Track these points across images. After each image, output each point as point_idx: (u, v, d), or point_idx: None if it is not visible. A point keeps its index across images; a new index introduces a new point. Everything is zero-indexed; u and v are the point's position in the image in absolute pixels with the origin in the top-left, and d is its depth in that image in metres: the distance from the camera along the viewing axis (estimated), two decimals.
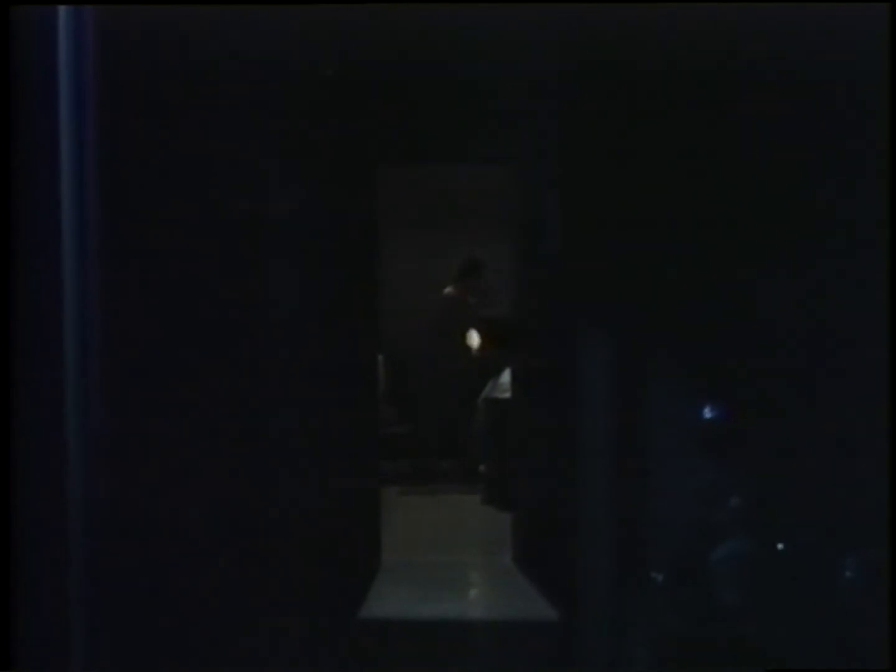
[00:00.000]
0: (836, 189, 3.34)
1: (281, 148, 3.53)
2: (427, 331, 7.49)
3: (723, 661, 3.17)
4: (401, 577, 4.90)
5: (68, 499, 2.06)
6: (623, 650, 3.58)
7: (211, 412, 2.84)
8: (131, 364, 2.38)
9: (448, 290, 7.55)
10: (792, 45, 3.17)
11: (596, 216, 3.83)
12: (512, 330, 5.50)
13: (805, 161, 3.42)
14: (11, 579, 1.96)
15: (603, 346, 3.80)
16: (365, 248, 4.94)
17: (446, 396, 7.46)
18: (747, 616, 3.32)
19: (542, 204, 4.54)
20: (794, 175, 3.44)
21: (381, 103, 4.28)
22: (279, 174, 3.53)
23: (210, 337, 2.84)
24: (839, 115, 3.28)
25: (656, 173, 3.57)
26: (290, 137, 3.62)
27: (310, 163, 3.87)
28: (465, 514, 6.50)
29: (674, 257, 3.60)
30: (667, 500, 3.62)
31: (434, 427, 7.63)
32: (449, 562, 5.29)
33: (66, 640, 2.04)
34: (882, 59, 2.59)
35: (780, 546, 3.37)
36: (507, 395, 5.94)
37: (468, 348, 7.24)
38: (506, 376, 6.33)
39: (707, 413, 3.60)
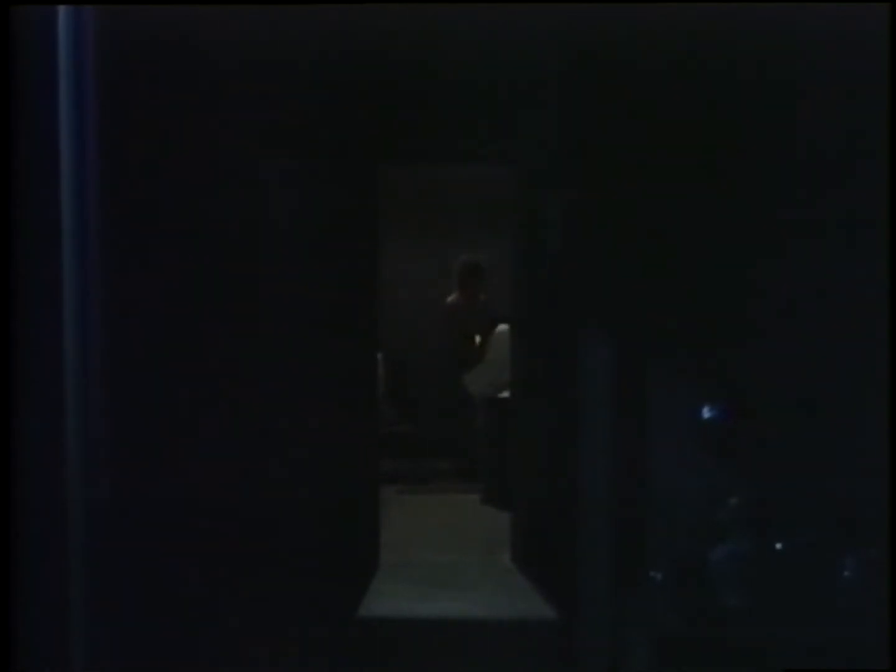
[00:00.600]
0: (835, 189, 3.34)
1: (281, 148, 3.53)
2: (433, 339, 7.51)
3: (722, 661, 3.17)
4: (400, 577, 4.90)
5: (68, 499, 2.06)
6: (622, 650, 3.58)
7: (210, 412, 2.84)
8: (131, 364, 2.38)
9: (451, 298, 7.54)
10: (792, 45, 3.17)
11: (596, 216, 3.83)
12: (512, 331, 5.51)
13: (805, 161, 3.42)
14: (11, 579, 1.96)
15: (603, 345, 3.80)
16: (365, 247, 4.94)
17: (446, 396, 7.46)
18: (747, 616, 3.32)
19: (541, 204, 4.54)
20: (793, 175, 3.44)
21: (381, 103, 4.28)
22: (279, 174, 3.53)
23: (210, 337, 2.84)
24: (839, 114, 3.28)
25: (656, 173, 3.57)
26: (290, 137, 3.62)
27: (310, 163, 3.87)
28: (464, 514, 6.50)
29: (674, 257, 3.60)
30: (667, 500, 3.62)
31: (434, 427, 7.63)
32: (448, 561, 5.28)
33: (66, 640, 2.04)
34: (882, 59, 2.59)
35: (779, 546, 3.37)
36: (506, 394, 5.95)
37: (474, 352, 7.24)
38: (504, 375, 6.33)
39: (707, 412, 3.60)
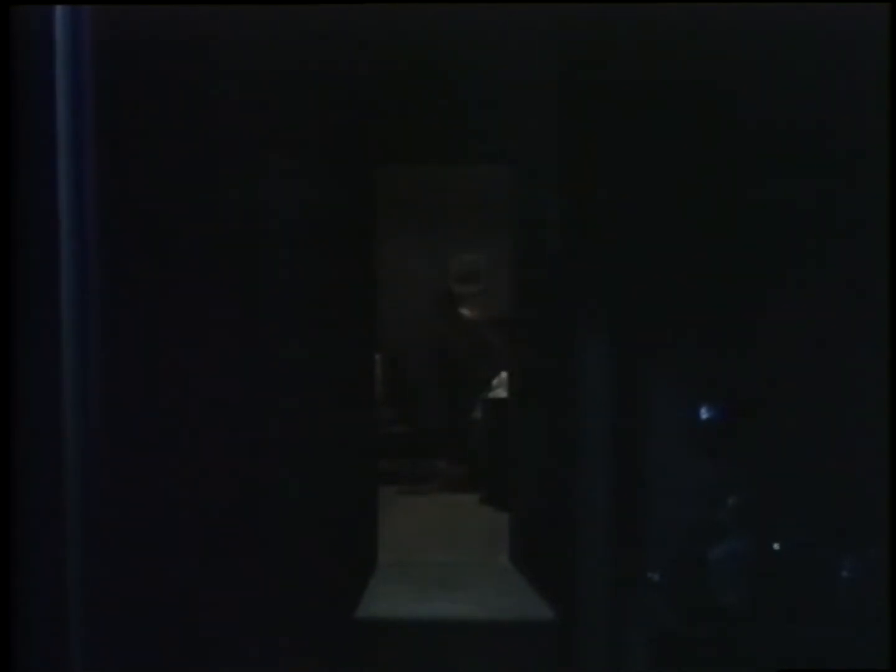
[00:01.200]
0: (835, 189, 3.35)
1: (280, 148, 3.53)
2: (428, 339, 7.51)
3: (720, 661, 3.17)
4: (398, 577, 4.90)
5: (68, 499, 2.05)
6: (620, 649, 3.58)
7: (209, 412, 2.84)
8: (131, 364, 2.38)
9: (447, 296, 7.55)
10: (792, 45, 3.18)
11: (595, 216, 3.83)
12: (511, 331, 5.51)
13: (805, 161, 3.42)
14: (11, 580, 1.96)
15: (602, 345, 3.80)
16: (364, 247, 4.94)
17: (444, 396, 7.47)
18: (745, 615, 3.32)
19: (542, 204, 4.54)
20: (793, 175, 3.44)
21: (380, 103, 4.28)
22: (279, 174, 3.53)
23: (209, 337, 2.84)
24: (839, 114, 3.28)
25: (656, 172, 3.57)
26: (289, 137, 3.61)
27: (309, 163, 3.87)
28: (462, 514, 6.50)
29: (673, 256, 3.60)
30: (664, 500, 3.63)
31: (432, 427, 7.63)
32: (446, 561, 5.28)
33: (66, 641, 2.03)
34: (882, 59, 2.60)
35: (777, 546, 3.37)
36: (505, 395, 5.95)
37: (467, 350, 7.24)
38: (504, 376, 6.33)
39: (705, 412, 3.60)
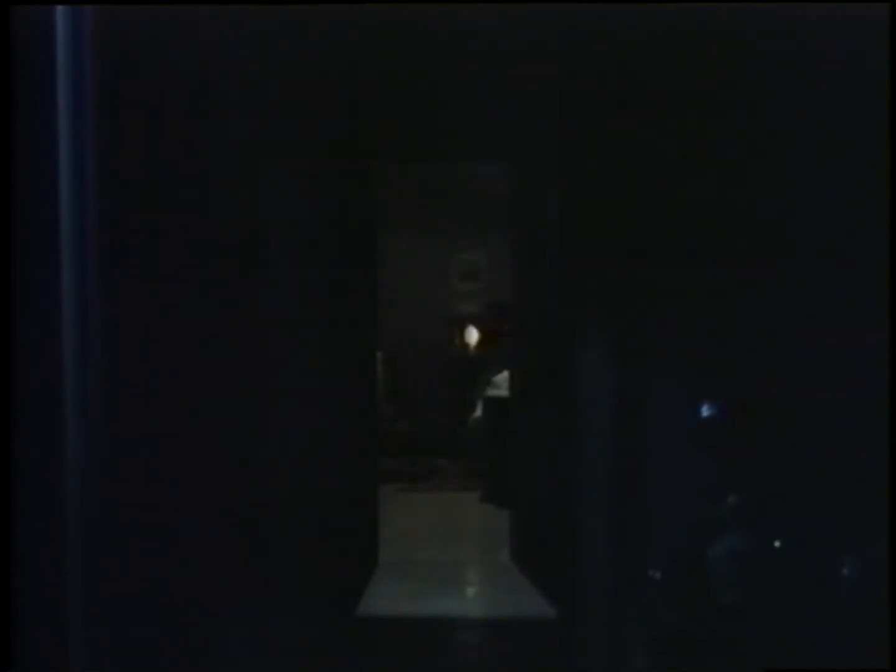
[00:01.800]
0: (835, 189, 3.34)
1: (280, 148, 3.54)
2: (429, 339, 7.52)
3: (721, 659, 3.17)
4: (399, 574, 4.91)
5: (68, 499, 2.06)
6: (621, 647, 3.58)
7: (210, 411, 2.84)
8: (131, 364, 2.38)
9: (447, 296, 7.56)
10: (792, 45, 3.17)
11: (595, 215, 3.83)
12: (511, 329, 5.51)
13: (805, 161, 3.42)
14: (11, 579, 1.96)
15: (602, 343, 3.81)
16: (364, 246, 4.94)
17: (445, 394, 7.47)
18: (746, 614, 3.32)
19: (541, 203, 4.54)
20: (793, 174, 3.44)
21: (380, 102, 4.28)
22: (278, 174, 3.54)
23: (209, 337, 2.84)
24: (839, 114, 3.28)
25: (656, 172, 3.57)
26: (288, 137, 3.62)
27: (309, 162, 3.87)
28: (463, 512, 6.51)
29: (673, 256, 3.60)
30: (665, 498, 3.63)
31: (433, 425, 7.64)
32: (447, 559, 5.29)
33: (66, 640, 2.04)
34: (882, 58, 2.59)
35: (778, 544, 3.37)
36: (506, 393, 5.95)
37: (468, 348, 7.25)
38: (505, 374, 6.34)
39: (705, 410, 3.60)
